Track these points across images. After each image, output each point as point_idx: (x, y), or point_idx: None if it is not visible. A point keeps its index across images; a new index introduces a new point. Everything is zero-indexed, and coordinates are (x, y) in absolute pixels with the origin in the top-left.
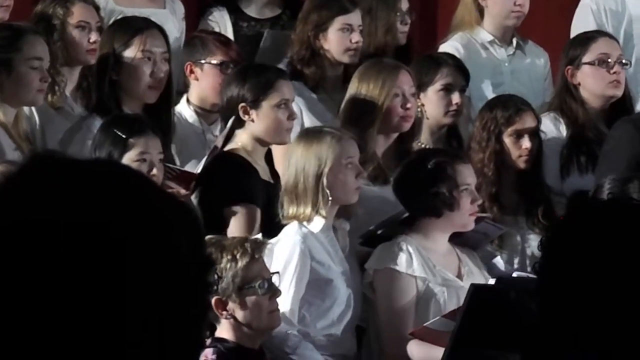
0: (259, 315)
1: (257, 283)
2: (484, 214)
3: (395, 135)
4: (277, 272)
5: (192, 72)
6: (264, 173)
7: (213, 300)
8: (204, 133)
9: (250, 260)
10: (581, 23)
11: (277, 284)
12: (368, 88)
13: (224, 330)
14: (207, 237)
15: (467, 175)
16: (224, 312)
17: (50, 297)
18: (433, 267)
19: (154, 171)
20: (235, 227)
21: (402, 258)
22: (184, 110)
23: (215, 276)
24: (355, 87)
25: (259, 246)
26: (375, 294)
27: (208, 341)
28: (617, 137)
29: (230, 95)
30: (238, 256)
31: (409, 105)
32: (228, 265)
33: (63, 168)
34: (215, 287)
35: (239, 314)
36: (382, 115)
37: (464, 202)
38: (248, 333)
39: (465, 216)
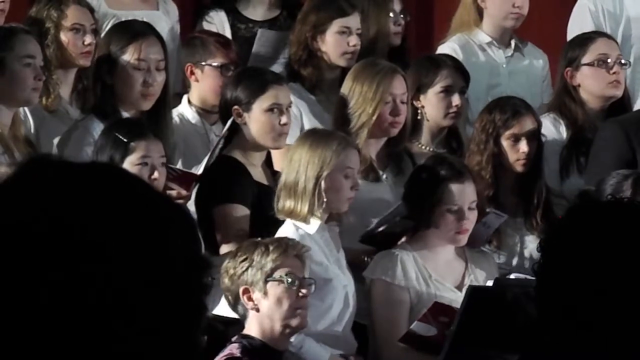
0: (281, 308)
1: (285, 275)
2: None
3: (385, 137)
4: (315, 281)
5: (192, 73)
6: (260, 176)
7: (241, 290)
8: (207, 133)
9: (281, 254)
10: (578, 24)
11: (312, 290)
12: (361, 90)
13: (251, 326)
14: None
15: (460, 195)
16: (250, 303)
17: (36, 300)
18: (428, 278)
19: (155, 174)
20: (222, 227)
21: (395, 270)
22: (186, 111)
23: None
24: (348, 87)
25: (295, 245)
26: (370, 303)
27: (235, 337)
28: (604, 139)
29: (226, 98)
30: (271, 249)
31: (398, 112)
32: (259, 257)
33: (57, 171)
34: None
35: (263, 305)
36: (373, 121)
37: (446, 221)
38: (273, 329)
39: (450, 234)
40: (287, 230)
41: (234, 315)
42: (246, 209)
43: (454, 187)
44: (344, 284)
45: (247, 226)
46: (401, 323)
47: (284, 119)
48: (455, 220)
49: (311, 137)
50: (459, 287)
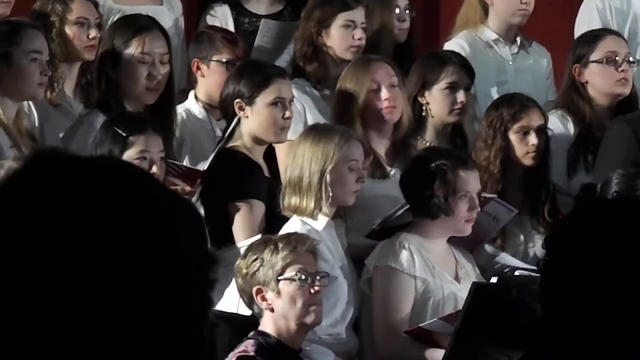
0: (295, 306)
1: (296, 273)
2: (490, 195)
3: (387, 129)
4: (328, 274)
5: (198, 68)
6: (266, 170)
7: (254, 290)
8: (213, 129)
9: (291, 252)
10: (586, 20)
11: (325, 283)
12: (346, 86)
13: (266, 324)
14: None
15: (469, 182)
16: (264, 302)
17: (47, 295)
18: (432, 268)
19: (154, 169)
20: (240, 223)
21: (404, 257)
22: (193, 106)
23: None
24: (339, 84)
25: (304, 240)
26: (372, 291)
27: (251, 333)
28: (613, 136)
29: (228, 92)
30: (280, 247)
31: (384, 96)
32: (269, 256)
33: (64, 165)
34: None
35: (277, 304)
36: (362, 111)
37: (459, 209)
38: (289, 328)
39: (460, 222)
40: (294, 226)
41: (234, 310)
42: (263, 204)
43: (465, 174)
44: (348, 282)
45: (264, 221)
46: (405, 312)
47: (287, 113)
48: (468, 207)
49: (313, 132)
50: (456, 280)
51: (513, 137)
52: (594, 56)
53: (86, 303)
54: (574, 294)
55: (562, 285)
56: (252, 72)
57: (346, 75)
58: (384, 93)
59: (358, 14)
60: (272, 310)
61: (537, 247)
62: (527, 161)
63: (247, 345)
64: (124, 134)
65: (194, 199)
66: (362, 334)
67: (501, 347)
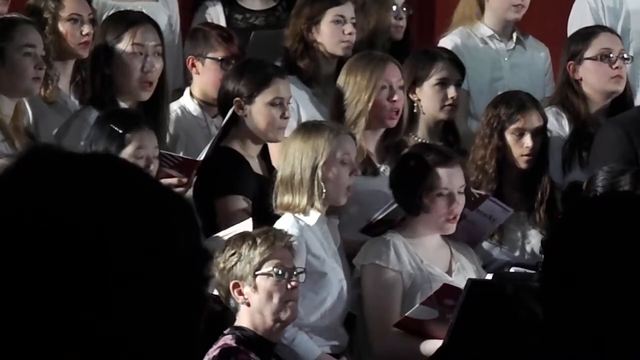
0: (271, 301)
1: (273, 268)
2: (484, 192)
3: (382, 129)
4: (305, 269)
5: (193, 65)
6: (257, 167)
7: (231, 284)
8: (208, 126)
9: (269, 247)
10: (579, 18)
11: (302, 279)
12: (355, 80)
13: (243, 319)
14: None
15: (449, 180)
16: (241, 297)
17: (42, 292)
18: (420, 262)
19: (151, 167)
20: (224, 219)
21: (388, 254)
22: (188, 103)
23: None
24: (343, 80)
25: (282, 236)
26: (362, 289)
27: (227, 330)
28: (606, 138)
29: (227, 90)
30: (258, 242)
31: (395, 98)
32: (247, 251)
33: (59, 162)
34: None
35: (253, 299)
36: (370, 109)
37: (436, 207)
38: (265, 323)
39: (440, 220)
40: (287, 221)
41: None
42: (248, 200)
43: (443, 172)
44: (339, 277)
45: (249, 217)
46: (395, 308)
47: (286, 113)
48: (446, 205)
49: (302, 129)
50: (448, 273)
51: (509, 137)
52: (588, 53)
53: (81, 301)
54: (573, 294)
55: (562, 285)
56: (252, 71)
57: (355, 70)
58: (394, 95)
59: (347, 9)
60: (248, 304)
61: (533, 243)
62: (522, 163)
63: (226, 340)
64: (120, 131)
65: (189, 193)
66: (356, 332)
67: (496, 344)
